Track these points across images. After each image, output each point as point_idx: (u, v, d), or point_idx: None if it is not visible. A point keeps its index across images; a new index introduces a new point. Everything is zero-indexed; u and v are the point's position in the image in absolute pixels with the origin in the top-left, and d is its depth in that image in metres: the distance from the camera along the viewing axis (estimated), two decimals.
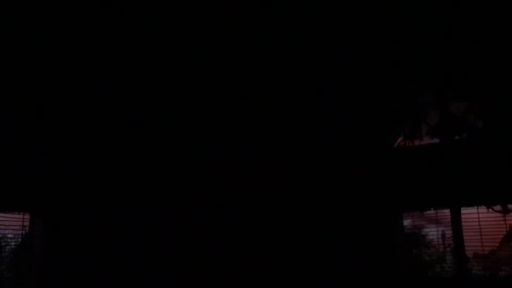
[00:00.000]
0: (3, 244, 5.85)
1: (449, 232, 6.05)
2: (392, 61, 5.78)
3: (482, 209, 5.81)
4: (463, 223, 5.96)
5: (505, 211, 5.46)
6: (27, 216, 6.00)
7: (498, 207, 5.52)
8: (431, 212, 6.20)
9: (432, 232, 6.25)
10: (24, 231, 6.00)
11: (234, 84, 6.05)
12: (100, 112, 5.80)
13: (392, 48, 5.61)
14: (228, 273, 6.03)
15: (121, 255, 6.18)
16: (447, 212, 6.11)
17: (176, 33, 5.11)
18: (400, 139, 5.95)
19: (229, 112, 6.28)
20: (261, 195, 6.25)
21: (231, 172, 6.30)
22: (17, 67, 5.21)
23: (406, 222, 6.36)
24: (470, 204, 5.90)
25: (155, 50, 5.31)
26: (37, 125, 5.65)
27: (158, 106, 5.92)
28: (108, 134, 5.90)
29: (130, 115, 5.37)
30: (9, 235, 5.93)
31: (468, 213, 6.00)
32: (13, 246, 5.96)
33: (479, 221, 5.93)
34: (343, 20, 5.27)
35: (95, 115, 5.83)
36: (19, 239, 5.99)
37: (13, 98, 5.38)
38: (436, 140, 5.89)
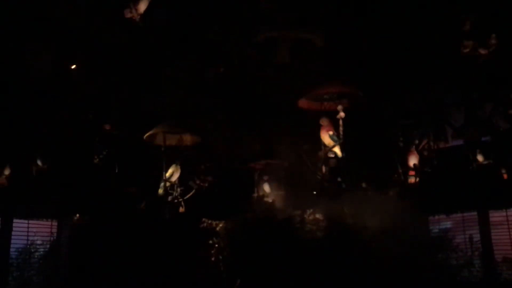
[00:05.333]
0: (32, 250, 6.00)
1: (476, 236, 5.94)
2: (416, 63, 5.71)
3: (511, 211, 5.69)
4: (491, 226, 5.85)
5: None
6: (55, 223, 6.14)
7: None
8: (457, 215, 6.11)
9: (459, 236, 6.15)
10: (52, 238, 6.14)
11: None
12: (123, 123, 5.90)
13: (417, 49, 5.54)
14: None
15: (147, 261, 6.25)
16: (474, 214, 6.00)
17: None
18: (425, 142, 5.87)
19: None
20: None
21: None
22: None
23: (433, 226, 6.28)
24: (498, 207, 5.78)
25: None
26: (63, 136, 5.77)
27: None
28: (130, 144, 5.98)
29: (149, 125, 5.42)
30: (38, 242, 6.07)
31: (497, 216, 5.88)
32: (41, 252, 6.10)
33: (508, 223, 5.81)
34: (367, 20, 5.23)
35: (118, 125, 5.92)
36: (47, 245, 6.13)
37: (38, 111, 5.52)
38: (460, 142, 5.79)
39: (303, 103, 4.40)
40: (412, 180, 5.34)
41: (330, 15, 5.06)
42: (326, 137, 4.19)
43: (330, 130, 4.17)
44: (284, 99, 5.64)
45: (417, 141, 5.60)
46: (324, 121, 4.18)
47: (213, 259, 5.50)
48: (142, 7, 3.38)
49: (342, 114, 4.06)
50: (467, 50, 4.03)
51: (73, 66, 5.38)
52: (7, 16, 4.58)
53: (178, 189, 5.04)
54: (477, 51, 4.01)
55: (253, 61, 5.66)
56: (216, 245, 5.45)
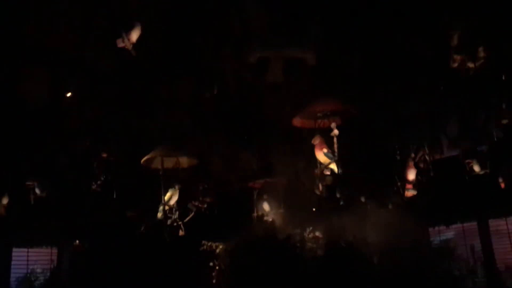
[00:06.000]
0: (33, 279, 5.96)
1: (478, 245, 5.93)
2: (408, 75, 5.74)
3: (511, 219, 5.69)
4: (492, 235, 5.84)
5: None
6: (54, 250, 6.11)
7: None
8: (458, 225, 6.10)
9: (460, 246, 6.13)
10: (52, 265, 6.11)
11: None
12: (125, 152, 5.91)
13: (408, 62, 5.58)
14: None
15: (148, 285, 6.20)
16: (474, 224, 6.00)
17: None
18: (420, 154, 5.90)
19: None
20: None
21: None
22: None
23: (433, 237, 6.26)
24: (498, 215, 5.79)
25: None
26: (61, 163, 5.77)
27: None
28: (128, 169, 5.98)
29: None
30: (38, 270, 6.04)
31: (497, 225, 5.88)
32: (42, 281, 6.06)
33: (508, 232, 5.81)
34: (358, 34, 5.27)
35: (115, 150, 5.93)
36: (48, 273, 6.09)
37: (35, 138, 5.53)
38: (456, 153, 5.80)
39: (297, 121, 4.40)
40: (410, 193, 5.33)
41: (321, 31, 5.11)
42: (320, 155, 4.17)
43: (324, 148, 4.15)
44: (279, 117, 5.67)
45: (413, 154, 5.61)
46: (316, 140, 4.16)
47: (214, 281, 5.48)
48: (134, 36, 3.39)
49: (335, 131, 4.05)
50: (456, 64, 4.06)
51: (69, 94, 5.41)
52: (2, 44, 4.63)
53: (177, 212, 5.02)
54: (466, 65, 4.04)
55: (247, 81, 5.70)
56: (217, 267, 5.43)
